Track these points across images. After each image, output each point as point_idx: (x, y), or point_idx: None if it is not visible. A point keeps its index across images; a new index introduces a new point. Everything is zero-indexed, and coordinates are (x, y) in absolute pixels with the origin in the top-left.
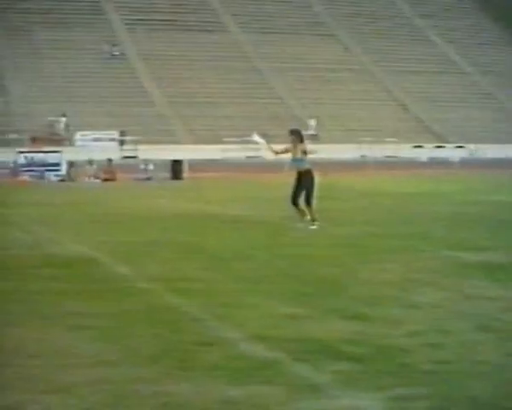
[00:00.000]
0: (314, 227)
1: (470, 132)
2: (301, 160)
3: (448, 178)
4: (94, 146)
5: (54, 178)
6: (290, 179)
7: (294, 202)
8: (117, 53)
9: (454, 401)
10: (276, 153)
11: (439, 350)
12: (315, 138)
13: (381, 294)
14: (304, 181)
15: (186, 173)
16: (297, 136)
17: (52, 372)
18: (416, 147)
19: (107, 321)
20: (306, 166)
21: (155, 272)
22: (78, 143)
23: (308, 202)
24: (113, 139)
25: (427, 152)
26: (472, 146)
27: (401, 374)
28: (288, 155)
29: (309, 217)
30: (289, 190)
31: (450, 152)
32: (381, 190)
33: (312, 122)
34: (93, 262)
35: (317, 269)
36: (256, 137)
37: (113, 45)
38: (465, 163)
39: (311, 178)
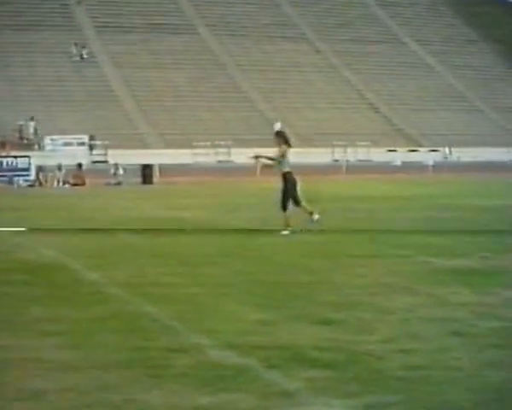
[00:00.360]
0: (286, 233)
1: (444, 136)
2: (280, 162)
3: (423, 182)
4: (63, 150)
5: (23, 183)
6: (263, 184)
7: (297, 204)
8: (86, 56)
9: (427, 407)
10: (275, 159)
11: (412, 356)
12: None
13: (354, 299)
14: (287, 183)
15: (156, 178)
16: (281, 137)
17: (21, 379)
18: (389, 151)
19: (77, 327)
20: (287, 168)
21: (126, 278)
22: (48, 147)
23: (283, 206)
24: (82, 144)
25: (401, 156)
26: (446, 149)
27: (374, 381)
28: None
29: (312, 215)
30: (264, 194)
31: (424, 156)
32: (356, 195)
33: (278, 125)
34: (63, 268)
35: (290, 275)
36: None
37: (83, 47)
38: (439, 167)
39: (292, 182)
